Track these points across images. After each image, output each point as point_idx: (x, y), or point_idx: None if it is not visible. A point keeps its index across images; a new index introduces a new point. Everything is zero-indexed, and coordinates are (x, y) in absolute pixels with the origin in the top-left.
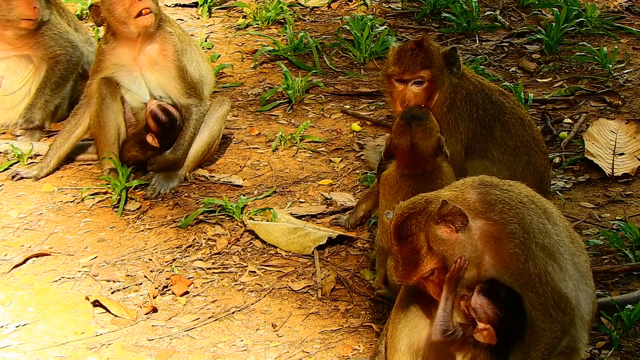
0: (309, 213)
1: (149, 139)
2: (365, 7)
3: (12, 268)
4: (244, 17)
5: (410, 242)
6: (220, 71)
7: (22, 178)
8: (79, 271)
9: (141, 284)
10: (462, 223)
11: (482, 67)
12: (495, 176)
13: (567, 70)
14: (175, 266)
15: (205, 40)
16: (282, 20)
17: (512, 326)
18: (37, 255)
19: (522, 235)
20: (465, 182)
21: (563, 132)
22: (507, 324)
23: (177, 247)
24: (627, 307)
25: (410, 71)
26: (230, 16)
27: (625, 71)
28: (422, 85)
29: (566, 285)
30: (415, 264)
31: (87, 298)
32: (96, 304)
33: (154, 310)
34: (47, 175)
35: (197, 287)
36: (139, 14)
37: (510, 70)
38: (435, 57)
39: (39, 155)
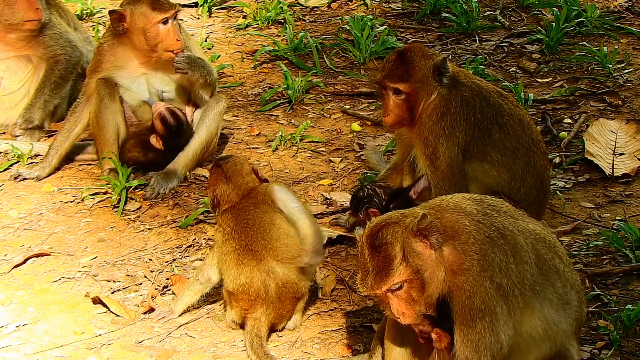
0: None
1: (153, 140)
2: (365, 7)
3: (12, 268)
4: (244, 17)
5: (384, 251)
6: (220, 71)
7: (24, 179)
8: (79, 271)
9: (141, 284)
10: (437, 241)
11: (482, 67)
12: (495, 178)
13: (567, 70)
14: (175, 266)
15: (205, 40)
16: (282, 20)
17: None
18: (37, 255)
19: (479, 273)
20: (442, 202)
21: (563, 132)
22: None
23: (177, 247)
24: (627, 307)
25: (388, 80)
26: (230, 16)
27: (625, 71)
28: (400, 95)
29: (505, 331)
30: (387, 273)
31: (87, 294)
32: (96, 300)
33: (154, 310)
34: (49, 175)
35: None
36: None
37: (510, 70)
38: (418, 70)
39: (39, 155)
